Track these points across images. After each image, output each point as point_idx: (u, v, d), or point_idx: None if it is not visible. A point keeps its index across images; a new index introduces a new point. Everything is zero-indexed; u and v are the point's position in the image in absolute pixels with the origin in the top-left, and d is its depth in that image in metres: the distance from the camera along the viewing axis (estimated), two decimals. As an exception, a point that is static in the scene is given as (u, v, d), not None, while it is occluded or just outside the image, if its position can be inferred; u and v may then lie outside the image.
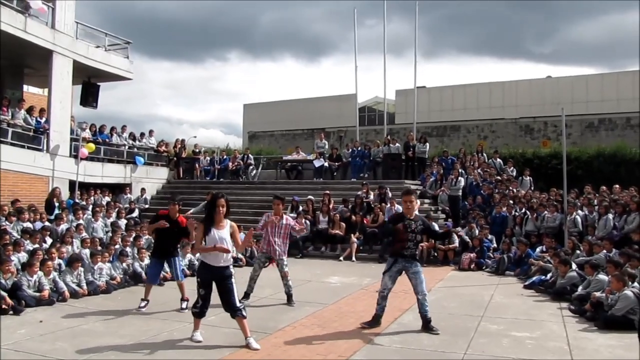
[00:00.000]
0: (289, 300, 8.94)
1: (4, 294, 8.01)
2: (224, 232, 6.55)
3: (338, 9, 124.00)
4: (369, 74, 46.09)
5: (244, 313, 6.49)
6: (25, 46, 16.29)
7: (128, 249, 11.50)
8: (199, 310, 6.63)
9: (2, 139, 15.34)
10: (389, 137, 21.58)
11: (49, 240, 11.53)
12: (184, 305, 8.45)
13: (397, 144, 20.65)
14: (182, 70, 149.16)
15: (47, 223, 12.87)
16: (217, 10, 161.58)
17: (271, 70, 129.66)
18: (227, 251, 6.45)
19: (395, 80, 73.84)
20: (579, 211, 13.94)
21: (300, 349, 6.46)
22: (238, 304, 6.50)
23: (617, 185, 15.56)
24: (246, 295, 8.95)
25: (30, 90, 22.23)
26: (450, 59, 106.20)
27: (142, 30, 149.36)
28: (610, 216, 12.97)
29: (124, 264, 10.78)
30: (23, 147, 16.11)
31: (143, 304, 8.60)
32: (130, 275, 10.71)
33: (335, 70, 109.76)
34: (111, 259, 10.67)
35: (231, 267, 6.60)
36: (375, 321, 7.49)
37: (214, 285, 6.58)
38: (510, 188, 17.01)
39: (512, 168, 18.80)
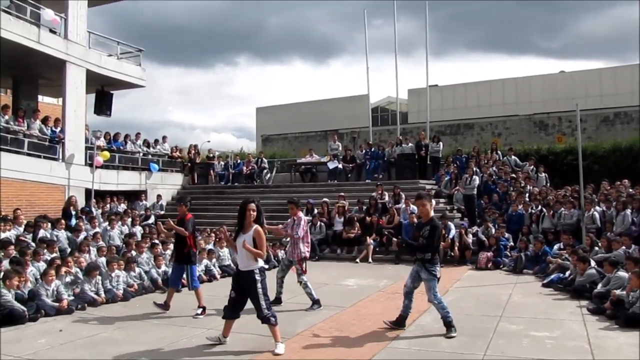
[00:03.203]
0: (312, 305, 8.95)
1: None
2: (247, 235, 6.55)
3: (344, 10, 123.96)
4: (378, 74, 46.11)
5: (271, 321, 6.42)
6: (39, 57, 16.47)
7: (144, 255, 11.57)
8: (225, 312, 6.70)
9: (18, 150, 15.52)
10: (400, 137, 21.52)
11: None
12: (199, 312, 8.50)
13: (410, 144, 20.58)
14: (192, 75, 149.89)
15: (63, 231, 12.95)
16: (224, 15, 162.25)
17: (280, 73, 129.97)
18: (252, 252, 6.41)
19: (406, 79, 73.59)
20: (597, 207, 13.79)
21: (319, 353, 6.45)
22: (265, 312, 6.40)
23: (626, 180, 15.37)
24: (276, 300, 9.00)
25: (45, 101, 22.50)
26: (459, 56, 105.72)
27: (150, 37, 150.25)
28: (628, 212, 12.83)
29: (136, 270, 10.81)
30: (39, 157, 16.28)
31: (162, 306, 8.76)
32: (147, 286, 10.72)
33: (344, 71, 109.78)
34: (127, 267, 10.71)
35: (256, 273, 6.47)
36: (398, 323, 7.44)
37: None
38: (523, 183, 16.85)
39: (532, 167, 18.51)
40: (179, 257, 8.89)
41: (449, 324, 7.10)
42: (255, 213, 6.62)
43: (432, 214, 7.56)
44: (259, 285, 6.44)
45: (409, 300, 7.47)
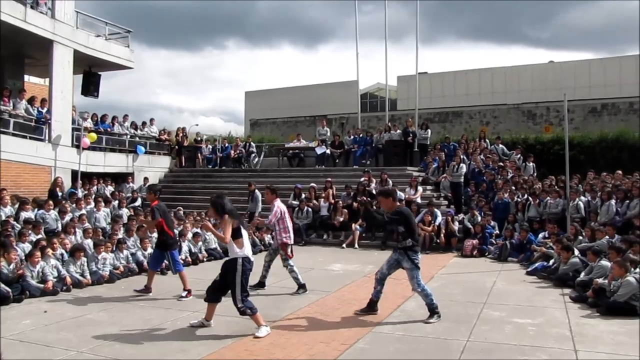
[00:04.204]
0: (298, 289, 9.00)
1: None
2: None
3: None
4: (368, 60, 45.95)
5: (247, 312, 6.43)
6: (26, 36, 16.23)
7: (132, 238, 11.55)
8: (206, 294, 6.79)
9: (4, 130, 15.34)
10: (389, 124, 21.54)
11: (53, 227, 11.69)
12: (183, 294, 8.53)
13: (398, 130, 20.59)
14: (180, 58, 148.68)
15: (53, 211, 12.81)
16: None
17: (269, 57, 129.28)
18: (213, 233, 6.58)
19: (395, 66, 73.50)
20: (582, 197, 13.91)
21: (303, 336, 6.49)
22: (239, 304, 6.41)
23: (620, 171, 15.46)
24: (259, 284, 9.11)
25: (31, 81, 22.20)
26: (448, 44, 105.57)
27: (139, 19, 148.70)
28: (613, 202, 12.94)
29: (124, 252, 10.83)
30: (25, 137, 16.11)
31: (142, 287, 8.86)
32: (132, 268, 10.73)
33: (333, 57, 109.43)
34: (113, 249, 10.69)
35: (238, 262, 6.46)
36: (370, 307, 7.53)
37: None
38: (511, 173, 16.95)
39: (519, 155, 18.63)
40: (158, 243, 9.00)
41: (432, 311, 7.19)
42: (211, 210, 6.88)
43: (397, 203, 7.63)
44: (238, 275, 6.44)
45: (381, 285, 7.55)
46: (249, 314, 6.45)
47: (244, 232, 6.65)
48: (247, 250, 6.62)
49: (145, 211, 9.34)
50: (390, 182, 16.43)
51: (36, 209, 12.57)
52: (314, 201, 16.47)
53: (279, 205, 9.18)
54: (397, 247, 7.35)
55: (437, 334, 6.59)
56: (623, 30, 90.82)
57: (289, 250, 9.07)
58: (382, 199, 7.66)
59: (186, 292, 8.54)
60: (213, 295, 6.70)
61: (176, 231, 12.72)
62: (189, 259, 11.77)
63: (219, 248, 12.72)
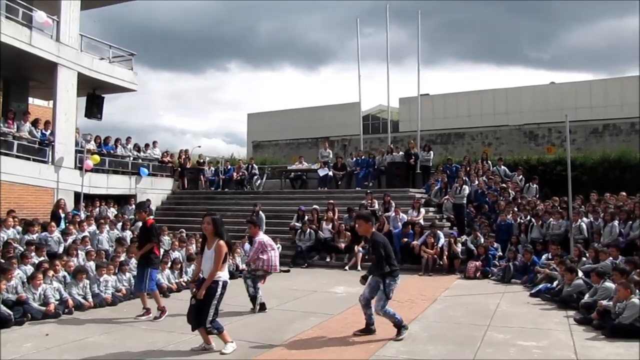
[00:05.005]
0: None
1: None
2: (210, 252, 6.64)
3: (335, 18, 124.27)
4: (370, 82, 46.16)
5: (214, 332, 6.56)
6: (31, 59, 16.37)
7: (133, 260, 11.50)
8: (189, 323, 6.68)
9: (7, 152, 15.41)
10: (391, 146, 21.59)
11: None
12: (157, 314, 8.62)
13: (400, 152, 20.65)
14: (183, 80, 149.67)
15: (55, 234, 12.78)
16: (215, 21, 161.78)
17: (271, 79, 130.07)
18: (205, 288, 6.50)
19: (396, 88, 74.13)
20: (584, 218, 13.89)
21: (307, 360, 6.44)
22: (208, 324, 6.47)
23: (624, 193, 15.43)
24: (260, 307, 9.19)
25: (35, 103, 22.34)
26: (449, 66, 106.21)
27: (142, 41, 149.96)
28: (616, 223, 12.91)
29: (127, 274, 10.77)
30: (28, 159, 16.16)
31: (142, 312, 8.78)
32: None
33: (334, 79, 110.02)
34: (116, 271, 10.66)
35: (219, 285, 6.49)
36: (367, 330, 7.55)
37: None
38: (513, 194, 16.98)
39: (520, 177, 18.67)
40: (142, 262, 8.91)
41: (399, 326, 7.30)
42: (210, 226, 6.68)
43: (373, 229, 7.64)
44: (216, 296, 6.49)
45: (369, 309, 7.53)
46: (215, 333, 6.56)
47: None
48: (226, 274, 6.70)
49: (139, 232, 9.38)
50: (393, 203, 16.44)
51: (37, 231, 12.56)
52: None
53: (260, 239, 9.31)
54: (375, 273, 7.38)
55: (442, 356, 6.54)
56: (623, 51, 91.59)
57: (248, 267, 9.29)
58: (361, 222, 7.66)
59: (159, 312, 8.61)
60: (196, 321, 6.57)
61: (179, 254, 12.83)
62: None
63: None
